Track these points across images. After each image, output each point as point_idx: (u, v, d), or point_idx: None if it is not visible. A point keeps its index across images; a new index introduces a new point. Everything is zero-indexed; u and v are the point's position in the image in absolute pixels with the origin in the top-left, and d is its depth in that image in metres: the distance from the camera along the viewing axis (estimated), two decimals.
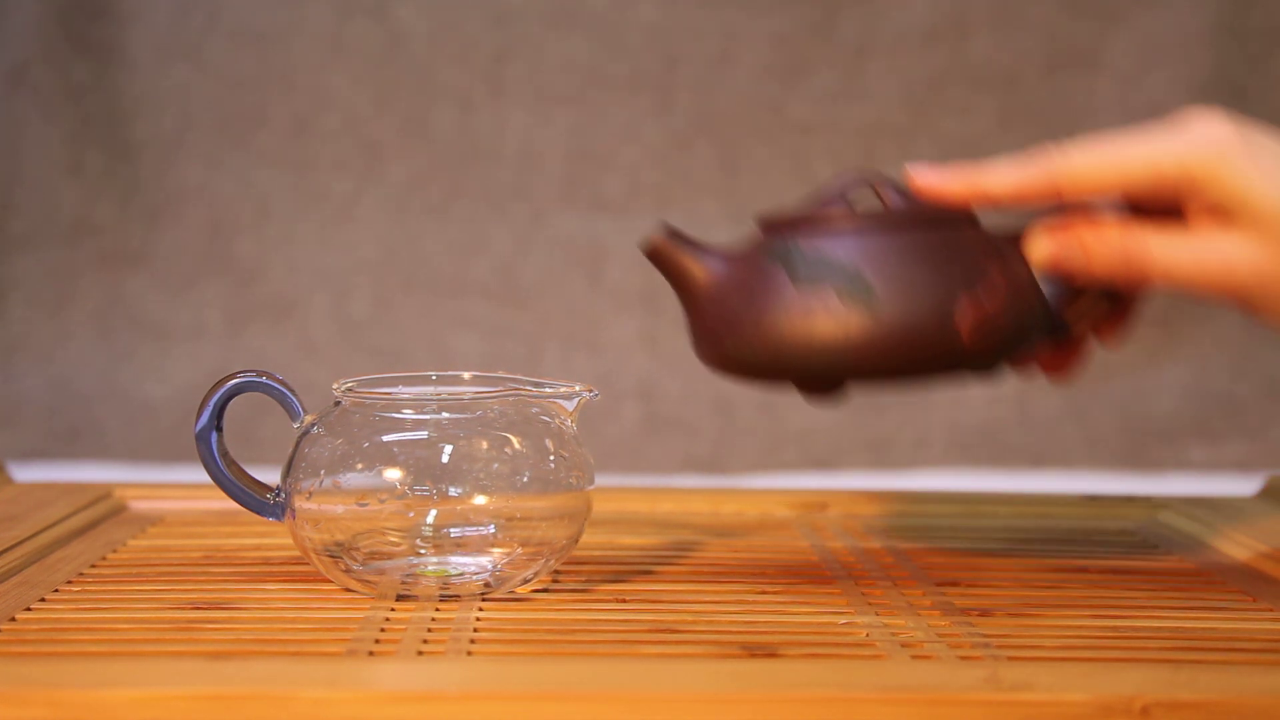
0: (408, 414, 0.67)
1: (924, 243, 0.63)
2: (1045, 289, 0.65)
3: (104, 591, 0.68)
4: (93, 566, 0.72)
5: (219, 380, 0.68)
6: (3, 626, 0.61)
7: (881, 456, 1.45)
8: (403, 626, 0.62)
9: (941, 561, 0.75)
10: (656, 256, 0.67)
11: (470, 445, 0.67)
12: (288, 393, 0.68)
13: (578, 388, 0.69)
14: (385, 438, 0.66)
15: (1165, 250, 0.62)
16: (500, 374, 0.72)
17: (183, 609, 0.65)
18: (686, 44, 1.50)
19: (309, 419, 0.68)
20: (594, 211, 1.48)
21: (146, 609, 0.65)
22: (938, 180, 0.64)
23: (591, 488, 0.69)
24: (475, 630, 0.62)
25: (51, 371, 1.47)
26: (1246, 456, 1.43)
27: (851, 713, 0.51)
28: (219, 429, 0.68)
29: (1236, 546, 0.79)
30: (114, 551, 0.76)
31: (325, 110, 1.51)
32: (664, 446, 1.45)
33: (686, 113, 1.47)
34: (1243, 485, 1.01)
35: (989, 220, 0.66)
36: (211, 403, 0.68)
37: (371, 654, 0.59)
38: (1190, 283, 0.62)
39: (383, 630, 0.62)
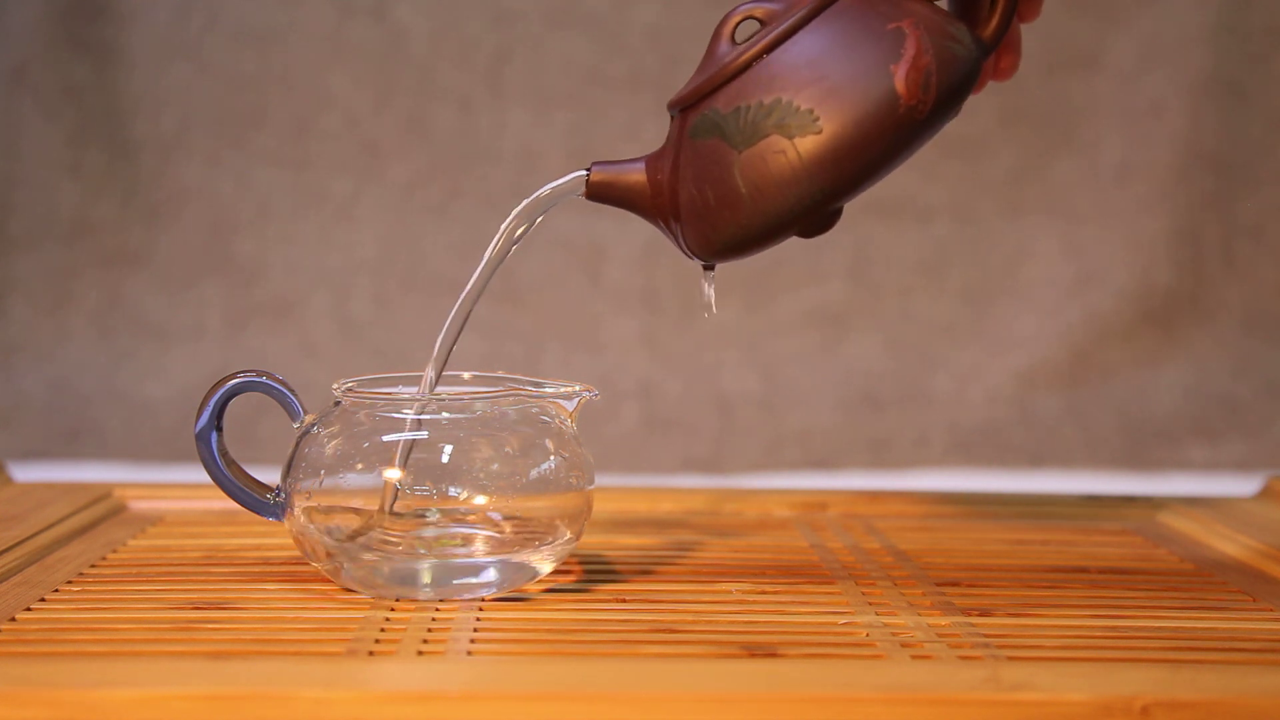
0: (408, 414, 0.67)
1: (824, 37, 0.62)
2: (951, 11, 0.64)
3: (104, 591, 0.68)
4: (93, 566, 0.72)
5: (219, 380, 0.68)
6: (3, 626, 0.61)
7: (881, 456, 1.45)
8: (403, 626, 0.62)
9: (941, 561, 0.75)
10: (601, 190, 0.66)
11: (470, 445, 0.67)
12: (288, 393, 0.68)
13: (578, 388, 0.69)
14: (385, 438, 0.66)
15: None
16: (500, 374, 0.72)
17: (183, 609, 0.65)
18: (686, 44, 1.49)
19: (309, 419, 0.68)
20: (594, 211, 1.48)
21: (146, 609, 0.65)
22: None
23: (591, 488, 0.69)
24: (475, 630, 0.62)
25: (51, 371, 1.47)
26: (1246, 456, 1.43)
27: (851, 713, 0.51)
28: (219, 429, 0.68)
29: (1236, 546, 0.79)
30: (114, 551, 0.76)
31: (325, 110, 1.51)
32: (664, 446, 1.45)
33: None
34: (1243, 485, 1.01)
35: None
36: (211, 403, 0.68)
37: (371, 654, 0.59)
38: None
39: (383, 630, 0.62)
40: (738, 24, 0.64)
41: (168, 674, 0.52)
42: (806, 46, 0.62)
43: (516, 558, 0.67)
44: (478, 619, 0.63)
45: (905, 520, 0.86)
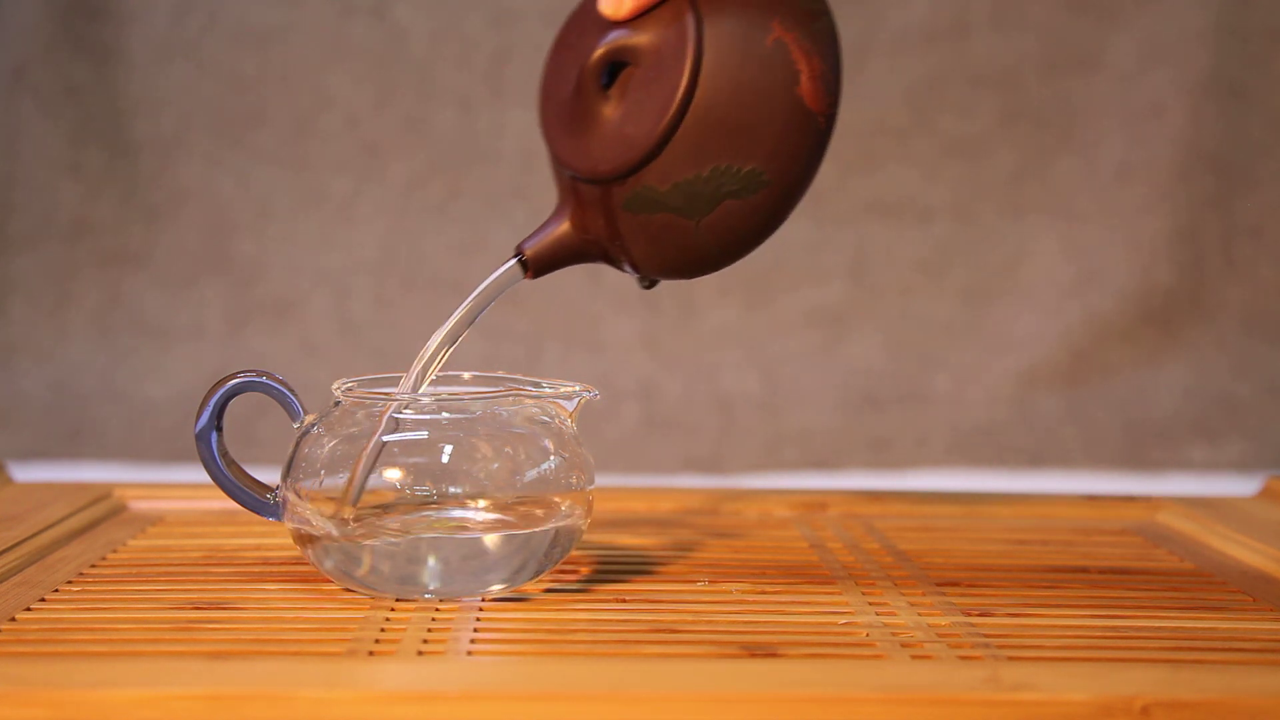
0: (408, 414, 0.67)
1: (723, 83, 0.61)
2: None
3: (104, 591, 0.68)
4: (93, 566, 0.72)
5: (219, 380, 0.68)
6: (3, 626, 0.61)
7: (881, 456, 1.45)
8: (403, 626, 0.62)
9: (941, 561, 0.75)
10: (544, 262, 0.66)
11: (470, 445, 0.67)
12: (288, 393, 0.68)
13: (578, 388, 0.69)
14: (385, 438, 0.66)
15: None
16: (500, 374, 0.72)
17: (183, 609, 0.65)
18: None
19: (309, 419, 0.68)
20: None
21: (146, 609, 0.65)
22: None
23: (591, 488, 0.69)
24: (475, 630, 0.62)
25: (51, 371, 1.47)
26: (1246, 456, 1.43)
27: (851, 713, 0.51)
28: (219, 429, 0.68)
29: (1236, 546, 0.79)
30: (114, 551, 0.76)
31: (325, 110, 1.51)
32: (664, 446, 1.45)
33: None
34: (1243, 485, 1.01)
35: None
36: (211, 403, 0.67)
37: (371, 654, 0.59)
38: None
39: (383, 630, 0.62)
40: (603, 66, 0.63)
41: (168, 674, 0.52)
42: (713, 102, 0.61)
43: (515, 557, 0.67)
44: (478, 619, 0.63)
45: (905, 520, 0.86)
